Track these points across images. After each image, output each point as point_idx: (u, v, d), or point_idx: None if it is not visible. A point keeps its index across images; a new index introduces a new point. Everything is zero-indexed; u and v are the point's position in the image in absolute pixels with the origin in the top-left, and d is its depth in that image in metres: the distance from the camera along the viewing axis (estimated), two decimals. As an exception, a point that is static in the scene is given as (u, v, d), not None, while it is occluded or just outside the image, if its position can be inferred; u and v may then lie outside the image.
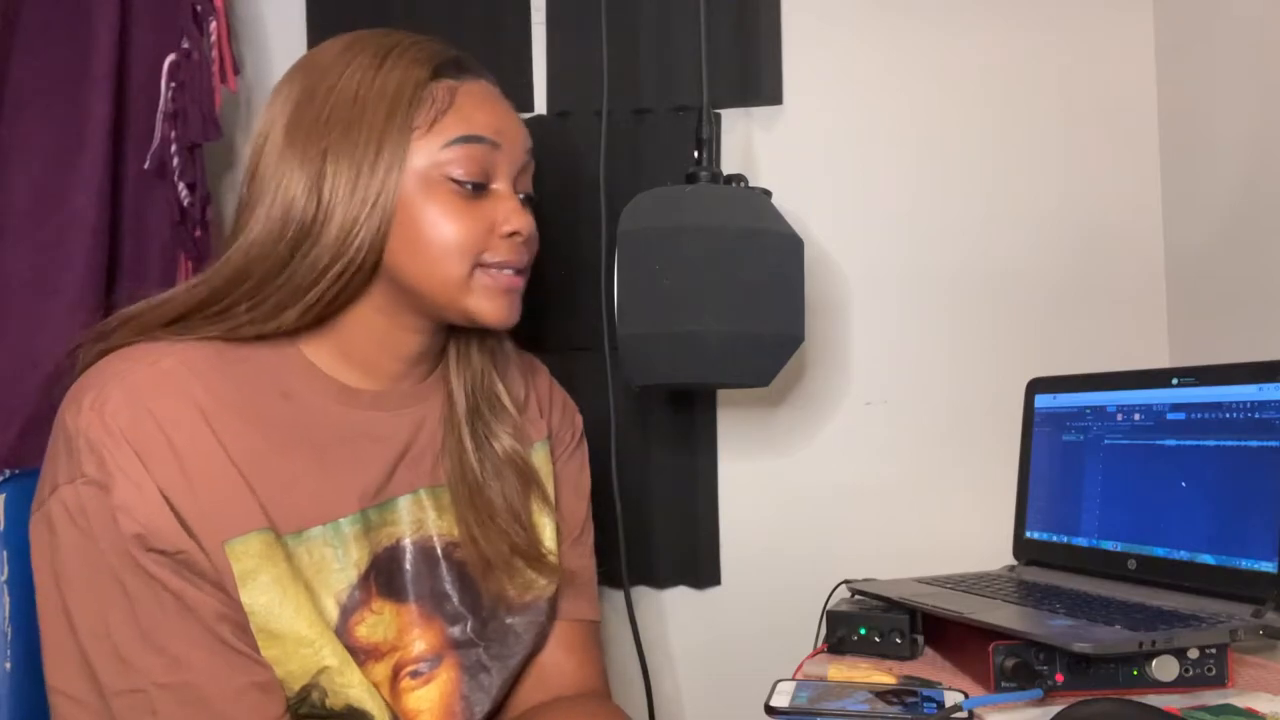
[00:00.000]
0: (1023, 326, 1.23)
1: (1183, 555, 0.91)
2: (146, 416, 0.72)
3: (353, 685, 0.77)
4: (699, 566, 1.24)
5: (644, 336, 1.01)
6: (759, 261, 1.00)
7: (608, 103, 1.17)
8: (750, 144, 1.25)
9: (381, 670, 0.81)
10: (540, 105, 1.26)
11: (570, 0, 1.24)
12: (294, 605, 0.75)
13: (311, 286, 0.79)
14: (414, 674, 0.83)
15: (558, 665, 0.94)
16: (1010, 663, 0.77)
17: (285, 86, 0.83)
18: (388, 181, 0.78)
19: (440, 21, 1.23)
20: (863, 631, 0.92)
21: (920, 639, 0.93)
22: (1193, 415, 0.93)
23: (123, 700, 0.71)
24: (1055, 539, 1.05)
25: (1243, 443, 0.88)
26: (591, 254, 1.18)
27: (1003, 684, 0.77)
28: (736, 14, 1.21)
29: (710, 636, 1.26)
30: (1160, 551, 0.93)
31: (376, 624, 0.81)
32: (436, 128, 0.80)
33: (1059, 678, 0.77)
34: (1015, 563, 1.10)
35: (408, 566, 0.84)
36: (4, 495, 0.80)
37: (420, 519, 0.86)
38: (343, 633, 0.78)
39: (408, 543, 0.85)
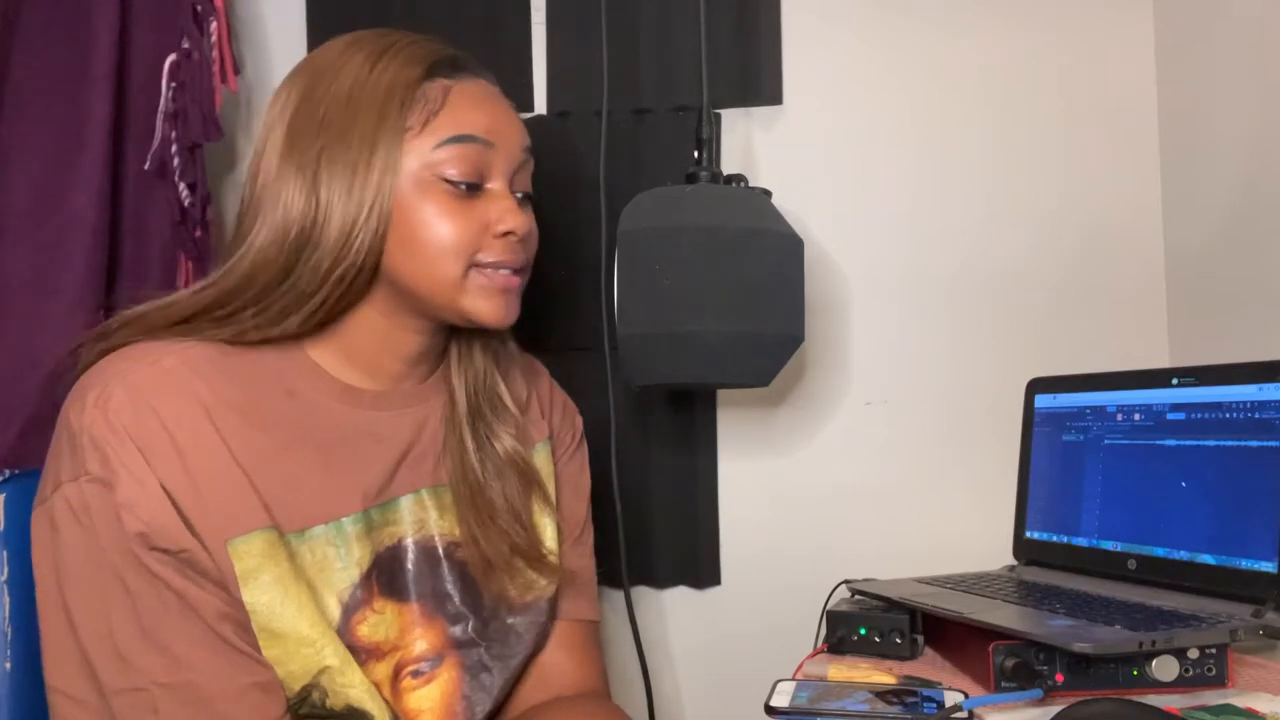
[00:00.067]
0: (1023, 326, 1.23)
1: (1183, 555, 0.91)
2: (150, 414, 0.72)
3: (353, 685, 0.77)
4: (699, 566, 1.24)
5: (644, 336, 1.01)
6: (759, 261, 1.00)
7: (608, 103, 1.17)
8: (750, 144, 1.25)
9: (383, 670, 0.81)
10: (540, 105, 1.26)
11: (570, 0, 1.24)
12: (296, 604, 0.75)
13: (315, 291, 0.79)
14: (415, 673, 0.83)
15: (558, 665, 0.94)
16: (1010, 663, 0.77)
17: (285, 90, 0.83)
18: (383, 183, 0.78)
19: (440, 21, 1.23)
20: (863, 631, 0.92)
21: (920, 639, 0.93)
22: (1193, 415, 0.93)
23: (123, 699, 0.71)
24: (1055, 539, 1.05)
25: (1243, 443, 0.88)
26: (591, 254, 1.18)
27: (1003, 684, 0.77)
28: (736, 14, 1.21)
29: (710, 636, 1.26)
30: (1160, 551, 0.93)
31: (378, 623, 0.81)
32: (429, 128, 0.80)
33: (1059, 678, 0.77)
34: (1015, 563, 1.10)
35: (409, 566, 0.84)
36: (4, 495, 0.80)
37: (422, 519, 0.86)
38: (345, 632, 0.78)
39: (410, 542, 0.85)
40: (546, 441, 0.97)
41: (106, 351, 0.77)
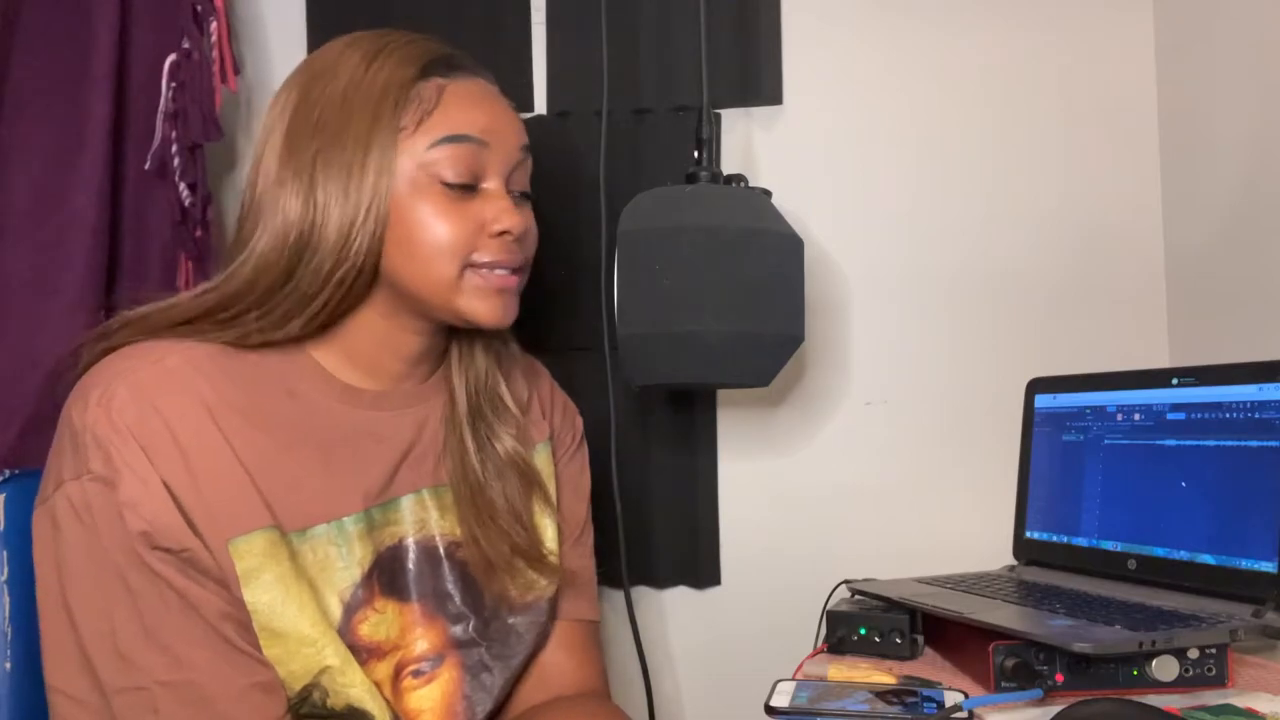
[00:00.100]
0: (1023, 326, 1.23)
1: (1183, 555, 0.91)
2: (153, 413, 0.72)
3: (354, 685, 0.77)
4: (699, 566, 1.24)
5: (644, 336, 1.01)
6: (759, 261, 1.00)
7: (608, 103, 1.17)
8: (750, 144, 1.25)
9: (384, 669, 0.81)
10: (540, 105, 1.26)
11: (570, 0, 1.24)
12: (297, 604, 0.75)
13: (317, 294, 0.79)
14: (416, 673, 0.83)
15: (557, 665, 0.94)
16: (1010, 663, 0.77)
17: (283, 93, 0.83)
18: (379, 185, 0.78)
19: (440, 21, 1.23)
20: (863, 631, 0.92)
21: (920, 639, 0.93)
22: (1193, 415, 0.93)
23: (124, 698, 0.71)
24: (1055, 539, 1.05)
25: (1243, 443, 0.88)
26: (591, 254, 1.18)
27: (1003, 684, 0.77)
28: (736, 14, 1.21)
29: (710, 636, 1.26)
30: (1160, 551, 0.93)
31: (379, 623, 0.81)
32: (423, 127, 0.80)
33: (1059, 678, 0.77)
34: (1015, 563, 1.10)
35: (410, 566, 0.84)
36: (4, 495, 0.80)
37: (423, 519, 0.86)
38: (346, 631, 0.78)
39: (411, 542, 0.85)
40: (547, 442, 0.97)
41: (108, 351, 0.77)
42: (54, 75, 1.03)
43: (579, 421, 1.03)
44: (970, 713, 0.74)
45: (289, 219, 0.78)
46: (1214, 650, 0.77)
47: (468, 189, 0.81)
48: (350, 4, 1.27)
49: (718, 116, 1.20)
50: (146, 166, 1.09)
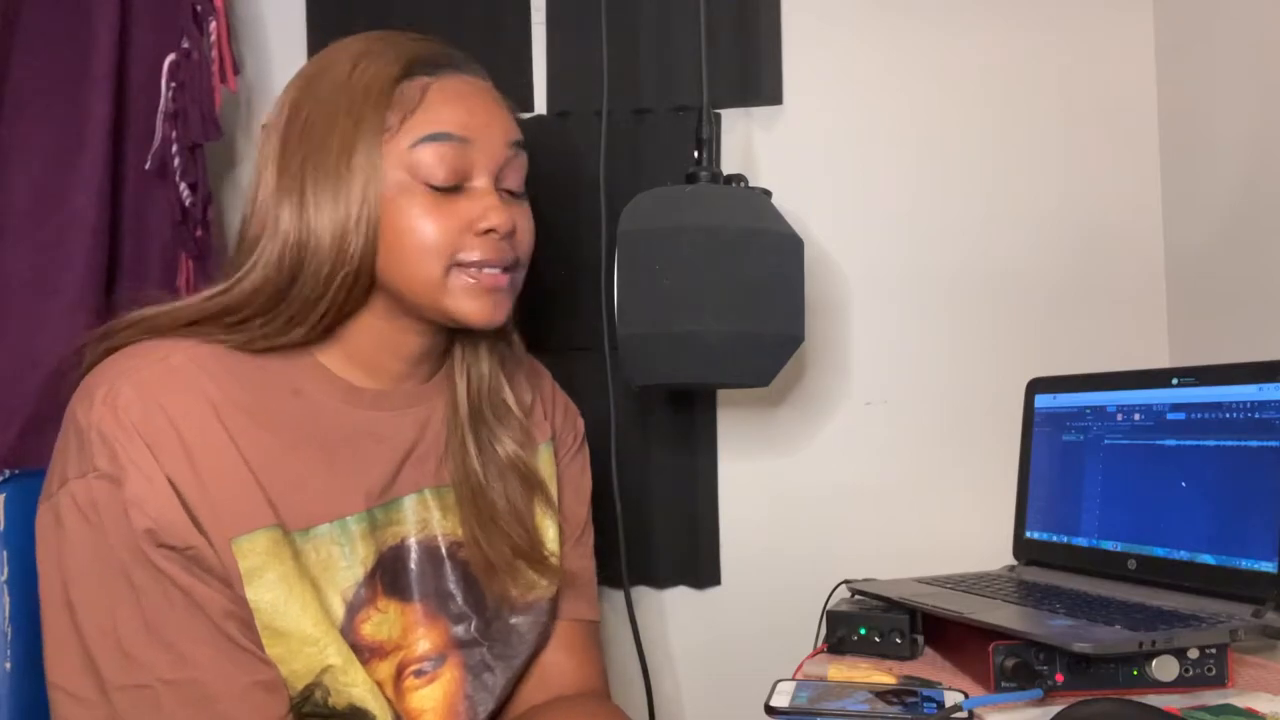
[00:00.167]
0: (1023, 326, 1.23)
1: (1183, 555, 0.91)
2: (158, 411, 0.72)
3: (356, 684, 0.77)
4: (699, 566, 1.24)
5: (644, 336, 1.01)
6: (759, 261, 1.00)
7: (608, 103, 1.17)
8: (750, 144, 1.25)
9: (385, 669, 0.81)
10: (540, 105, 1.26)
11: (570, 0, 1.24)
12: (300, 603, 0.75)
13: (320, 298, 0.78)
14: (418, 673, 0.83)
15: (558, 665, 0.94)
16: (1010, 663, 0.77)
17: (280, 99, 0.83)
18: (367, 189, 0.77)
19: (440, 21, 1.23)
20: (863, 631, 0.92)
21: (920, 639, 0.93)
22: (1193, 415, 0.93)
23: (126, 696, 0.71)
24: (1055, 539, 1.05)
25: (1243, 443, 0.88)
26: (591, 254, 1.18)
27: (1003, 684, 0.77)
28: (736, 14, 1.21)
29: (710, 636, 1.26)
30: (1160, 551, 0.93)
31: (382, 622, 0.81)
32: (405, 127, 0.79)
33: (1059, 678, 0.77)
34: (1015, 563, 1.10)
35: (413, 566, 0.84)
36: (4, 495, 0.80)
37: (425, 519, 0.86)
38: (349, 630, 0.78)
39: (413, 542, 0.85)
40: (549, 443, 0.97)
41: (111, 350, 0.77)
42: (54, 75, 1.03)
43: (580, 423, 1.03)
44: (970, 713, 0.74)
45: (286, 227, 0.78)
46: (1214, 650, 0.77)
47: (453, 187, 0.80)
48: (350, 4, 1.27)
49: (718, 116, 1.20)
50: (147, 166, 1.09)
